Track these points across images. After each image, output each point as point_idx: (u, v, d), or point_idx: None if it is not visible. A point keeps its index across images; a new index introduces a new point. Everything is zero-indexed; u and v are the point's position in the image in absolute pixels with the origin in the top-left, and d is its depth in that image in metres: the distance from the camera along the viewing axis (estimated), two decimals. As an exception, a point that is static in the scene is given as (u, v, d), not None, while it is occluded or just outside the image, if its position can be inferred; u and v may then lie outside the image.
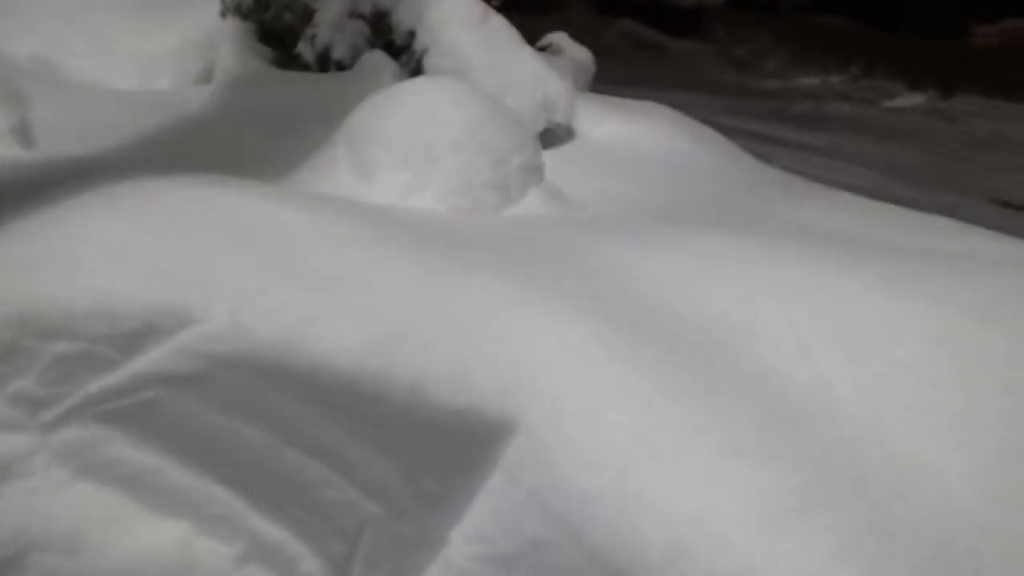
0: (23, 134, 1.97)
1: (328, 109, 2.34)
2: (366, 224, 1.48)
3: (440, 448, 1.05)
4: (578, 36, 3.82)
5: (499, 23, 3.01)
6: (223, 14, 3.06)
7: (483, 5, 2.97)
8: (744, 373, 1.21)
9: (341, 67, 3.01)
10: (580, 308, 1.27)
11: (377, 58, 2.94)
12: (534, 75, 2.96)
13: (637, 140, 2.86)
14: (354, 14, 3.06)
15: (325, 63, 3.03)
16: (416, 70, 2.88)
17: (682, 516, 0.99)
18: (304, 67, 3.03)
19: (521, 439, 1.06)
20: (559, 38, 3.70)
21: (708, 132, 3.02)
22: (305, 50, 3.03)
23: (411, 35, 2.95)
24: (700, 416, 1.10)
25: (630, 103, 3.14)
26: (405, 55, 2.96)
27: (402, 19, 3.03)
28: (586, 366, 1.14)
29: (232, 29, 3.06)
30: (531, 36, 3.24)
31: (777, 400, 1.16)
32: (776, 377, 1.20)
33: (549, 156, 2.42)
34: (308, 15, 3.09)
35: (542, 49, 3.48)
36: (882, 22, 9.24)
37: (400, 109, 2.17)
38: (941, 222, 2.15)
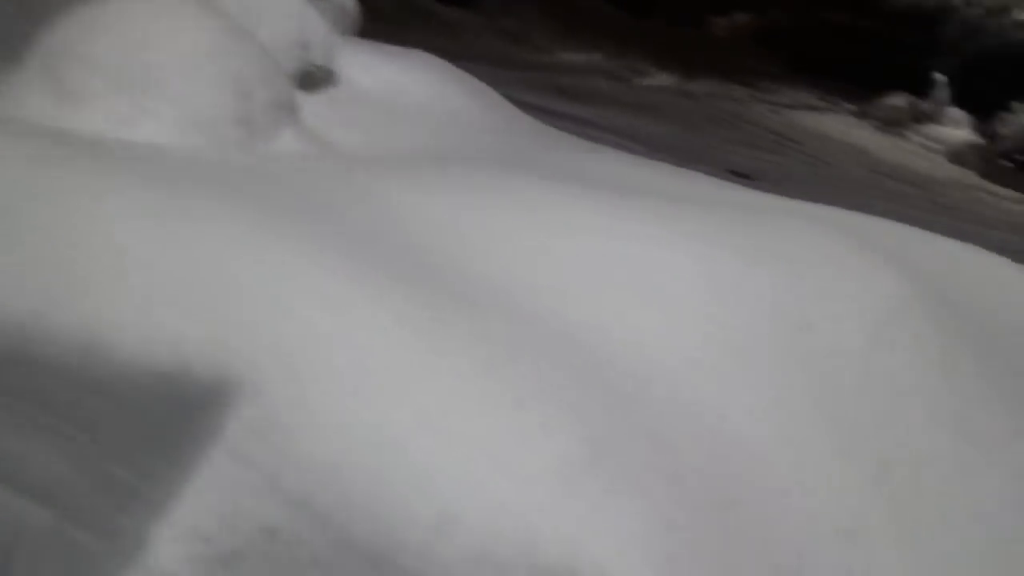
0: None
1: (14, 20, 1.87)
2: (48, 147, 1.14)
3: (131, 423, 0.78)
4: (344, -2, 3.52)
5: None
6: None
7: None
8: (525, 321, 1.07)
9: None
10: (339, 253, 1.05)
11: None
12: (289, 10, 2.66)
13: (408, 88, 2.66)
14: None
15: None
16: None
17: (454, 483, 0.82)
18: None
19: (251, 409, 0.83)
20: (321, -17, 3.38)
21: (480, 84, 2.90)
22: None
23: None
24: (477, 370, 0.94)
25: (399, 51, 2.93)
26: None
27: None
28: (341, 318, 0.94)
29: None
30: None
31: (560, 348, 1.04)
32: (559, 323, 1.08)
33: (309, 101, 2.15)
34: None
35: (301, -11, 3.15)
36: (637, 8, 9.93)
37: (114, 23, 1.79)
38: (699, 176, 2.21)
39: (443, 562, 0.78)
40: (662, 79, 8.18)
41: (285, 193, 1.24)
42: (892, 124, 9.55)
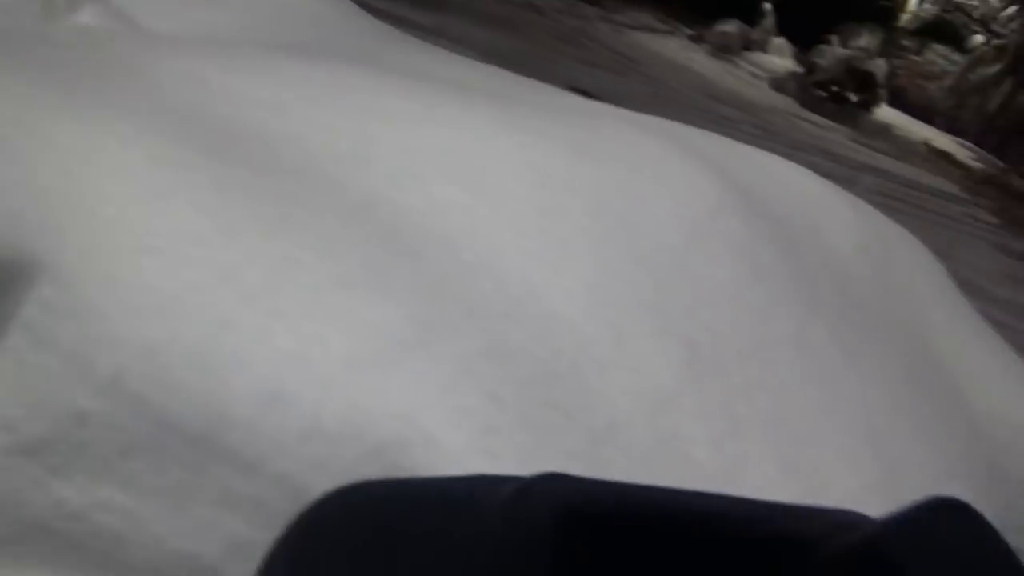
0: None
1: None
2: None
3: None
4: None
5: None
6: None
7: None
8: (351, 202, 1.05)
9: None
10: (143, 125, 0.98)
11: None
12: None
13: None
14: None
15: None
16: None
17: (277, 361, 0.81)
18: None
19: (47, 285, 0.77)
20: None
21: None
22: None
23: None
24: (298, 248, 0.92)
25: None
26: None
27: None
28: (147, 191, 0.88)
29: None
30: None
31: (388, 229, 1.04)
32: (388, 205, 1.07)
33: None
34: None
35: None
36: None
37: None
38: (535, 83, 2.24)
39: (271, 437, 0.78)
40: (512, -8, 8.09)
41: (87, 66, 1.13)
42: (724, 50, 10.06)
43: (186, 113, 1.06)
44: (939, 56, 13.53)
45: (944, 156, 10.66)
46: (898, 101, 11.98)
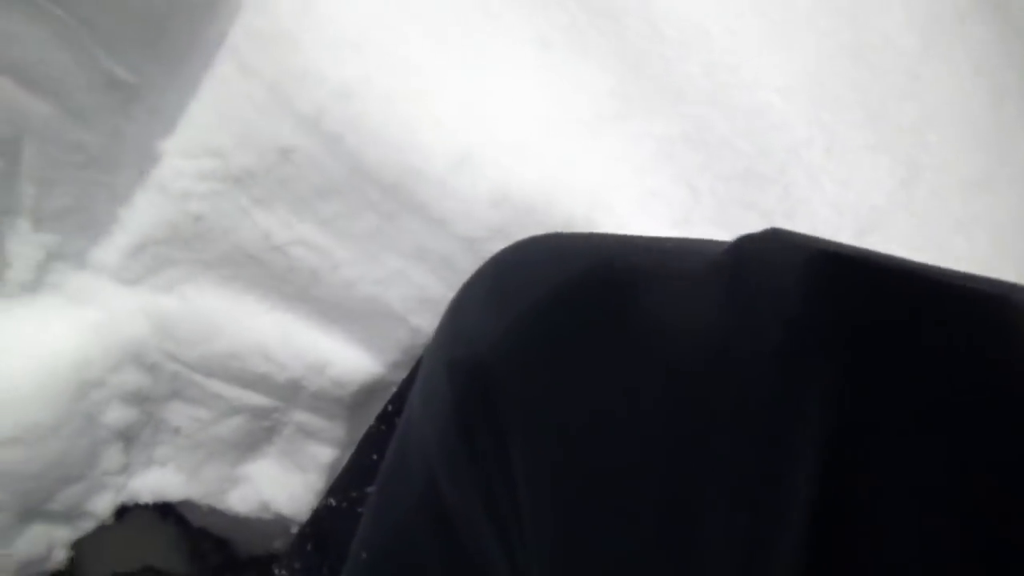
0: None
1: None
2: None
3: (131, 22, 0.71)
4: None
5: None
6: None
7: None
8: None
9: None
10: None
11: None
12: None
13: None
14: None
15: None
16: None
17: (472, 117, 0.78)
18: None
19: (259, 18, 0.75)
20: None
21: None
22: None
23: None
24: (503, 4, 0.86)
25: None
26: None
27: None
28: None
29: None
30: None
31: (593, -4, 0.94)
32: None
33: None
34: None
35: None
36: None
37: None
38: None
39: (461, 197, 0.77)
40: None
41: None
42: None
43: None
44: None
45: None
46: None
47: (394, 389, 0.87)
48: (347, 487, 0.82)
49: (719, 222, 0.87)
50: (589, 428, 0.41)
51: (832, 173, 1.00)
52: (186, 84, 0.75)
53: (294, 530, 0.94)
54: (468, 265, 0.81)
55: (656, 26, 0.94)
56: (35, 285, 0.78)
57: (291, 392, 0.88)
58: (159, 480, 0.91)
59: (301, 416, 0.90)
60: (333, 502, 0.83)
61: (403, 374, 0.87)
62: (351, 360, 0.87)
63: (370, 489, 0.71)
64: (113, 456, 0.87)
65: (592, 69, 0.85)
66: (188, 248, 0.81)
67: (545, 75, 0.82)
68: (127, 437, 0.87)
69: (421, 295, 0.82)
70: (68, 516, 0.84)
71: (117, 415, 0.86)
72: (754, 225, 0.92)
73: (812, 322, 0.37)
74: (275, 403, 0.89)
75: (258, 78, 0.74)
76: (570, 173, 0.80)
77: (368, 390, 0.88)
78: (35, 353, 0.80)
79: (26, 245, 0.75)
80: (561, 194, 0.79)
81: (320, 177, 0.77)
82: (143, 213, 0.79)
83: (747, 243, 0.43)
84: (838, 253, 0.39)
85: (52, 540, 0.84)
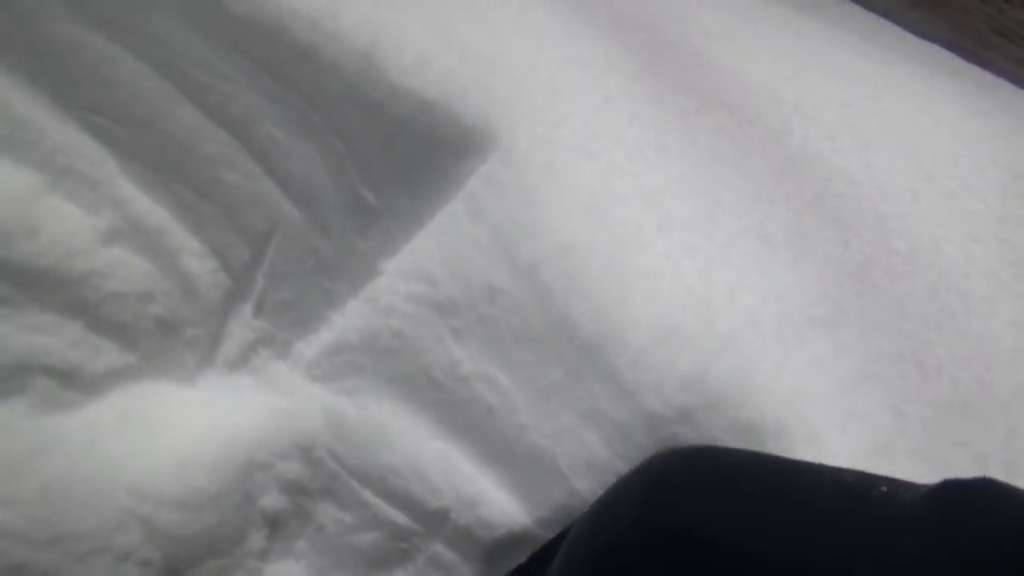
0: None
1: None
2: None
3: (388, 150, 0.78)
4: None
5: None
6: None
7: None
8: (785, 153, 0.95)
9: None
10: (602, 30, 0.97)
11: None
12: None
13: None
14: None
15: None
16: None
17: (682, 298, 0.77)
18: None
19: (496, 163, 0.80)
20: None
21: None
22: None
23: None
24: (723, 187, 0.86)
25: None
26: None
27: None
28: (596, 95, 0.87)
29: None
30: None
31: (819, 191, 0.92)
32: (822, 165, 0.96)
33: None
34: None
35: None
36: None
37: None
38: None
39: (656, 372, 0.75)
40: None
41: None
42: None
43: (641, 27, 1.04)
44: None
45: None
46: None
47: (536, 547, 0.84)
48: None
49: (924, 455, 0.80)
50: None
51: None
52: (419, 215, 0.80)
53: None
54: (642, 440, 0.78)
55: (886, 238, 0.91)
56: (239, 364, 0.84)
57: (437, 521, 0.87)
58: (289, 574, 0.92)
59: (439, 547, 0.89)
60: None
61: (549, 533, 0.84)
62: (503, 504, 0.85)
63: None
64: (258, 539, 0.89)
65: (810, 271, 0.83)
66: (379, 360, 0.84)
67: (761, 267, 0.81)
68: (275, 524, 0.90)
69: (588, 458, 0.80)
70: (203, 587, 0.86)
71: (272, 500, 0.89)
72: (964, 468, 0.83)
73: None
74: (418, 527, 0.88)
75: (487, 221, 0.78)
76: (769, 373, 0.76)
77: (511, 540, 0.86)
78: (222, 425, 0.85)
79: (244, 328, 0.81)
80: (756, 392, 0.76)
81: (520, 322, 0.79)
82: (349, 319, 0.83)
83: (954, 495, 0.40)
84: None
85: (182, 607, 0.86)
